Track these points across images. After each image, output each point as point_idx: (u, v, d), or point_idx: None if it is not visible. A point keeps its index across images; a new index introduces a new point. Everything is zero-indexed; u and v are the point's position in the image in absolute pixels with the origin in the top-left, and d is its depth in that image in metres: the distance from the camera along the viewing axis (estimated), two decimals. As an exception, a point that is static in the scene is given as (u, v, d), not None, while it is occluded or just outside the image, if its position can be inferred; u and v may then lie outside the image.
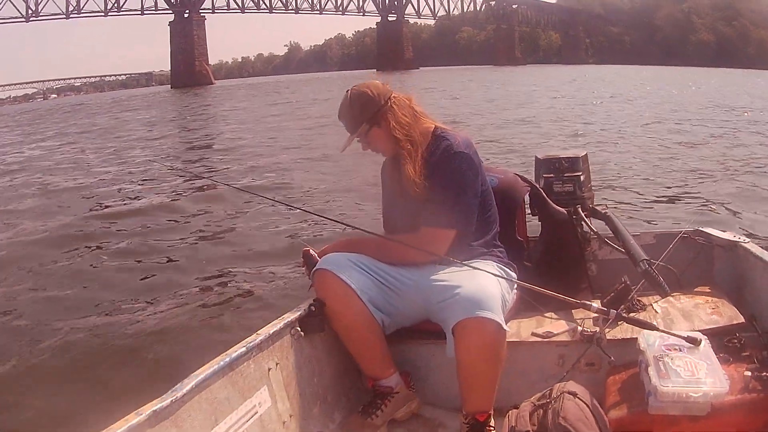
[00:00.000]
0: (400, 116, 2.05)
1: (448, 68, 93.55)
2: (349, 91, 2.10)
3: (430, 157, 2.05)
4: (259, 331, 1.89)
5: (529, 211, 2.55)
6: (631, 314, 2.03)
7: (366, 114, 2.04)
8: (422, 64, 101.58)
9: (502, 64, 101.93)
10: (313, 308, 2.03)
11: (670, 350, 1.79)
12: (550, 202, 2.49)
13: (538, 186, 2.53)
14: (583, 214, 2.51)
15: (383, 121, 2.04)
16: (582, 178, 2.60)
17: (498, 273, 2.01)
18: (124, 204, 8.58)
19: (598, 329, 2.01)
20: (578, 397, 1.68)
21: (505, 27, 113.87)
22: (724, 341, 1.90)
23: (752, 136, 12.75)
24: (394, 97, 2.07)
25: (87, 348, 3.75)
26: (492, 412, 1.93)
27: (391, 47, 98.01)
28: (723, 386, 1.66)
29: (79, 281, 5.07)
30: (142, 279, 5.18)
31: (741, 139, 12.29)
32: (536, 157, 2.72)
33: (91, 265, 5.58)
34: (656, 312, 2.24)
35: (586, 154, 2.68)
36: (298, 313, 2.04)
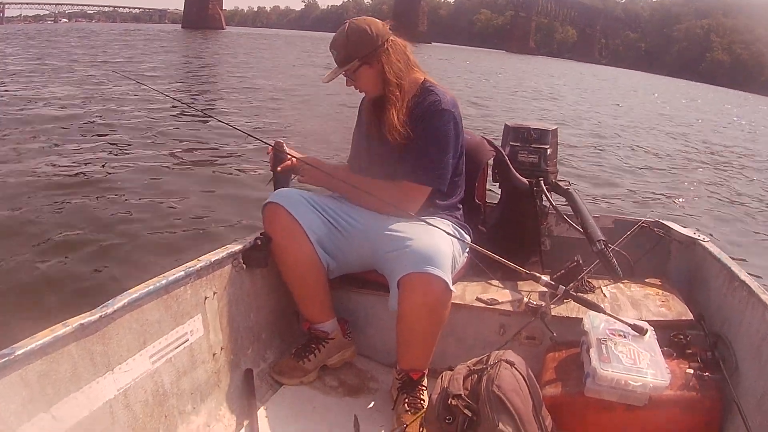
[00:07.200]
0: (394, 61, 1.94)
1: (461, 48, 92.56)
2: (348, 24, 1.97)
3: (415, 108, 1.96)
4: (200, 258, 1.78)
5: (491, 177, 2.48)
6: (579, 294, 1.95)
7: (360, 51, 1.92)
8: (435, 40, 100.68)
9: (515, 51, 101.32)
10: (258, 242, 1.94)
11: (614, 335, 1.74)
12: (513, 171, 2.43)
13: (503, 152, 2.46)
14: (544, 188, 2.45)
15: (376, 62, 1.94)
16: (549, 151, 2.54)
17: (452, 233, 1.93)
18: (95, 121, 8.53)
19: (543, 303, 1.97)
20: (515, 368, 1.61)
21: (523, 15, 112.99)
22: (670, 336, 1.85)
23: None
24: (391, 40, 1.96)
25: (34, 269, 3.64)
26: (426, 371, 1.88)
27: (406, 17, 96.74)
28: (664, 380, 1.61)
29: (23, 199, 4.88)
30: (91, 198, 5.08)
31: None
32: (506, 124, 2.65)
33: (36, 184, 5.37)
34: (605, 296, 2.18)
35: (557, 129, 2.61)
36: (243, 244, 1.94)
